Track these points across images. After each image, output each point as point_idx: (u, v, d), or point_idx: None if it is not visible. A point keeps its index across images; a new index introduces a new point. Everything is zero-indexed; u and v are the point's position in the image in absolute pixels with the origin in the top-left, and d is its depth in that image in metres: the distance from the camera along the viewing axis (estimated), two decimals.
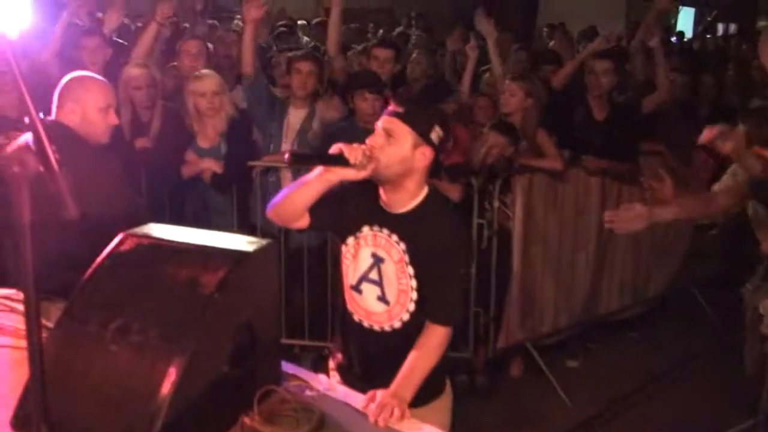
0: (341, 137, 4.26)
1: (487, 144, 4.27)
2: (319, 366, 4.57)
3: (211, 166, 4.19)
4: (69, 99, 2.91)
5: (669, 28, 15.58)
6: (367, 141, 2.25)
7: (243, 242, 2.00)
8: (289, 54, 4.84)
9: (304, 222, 2.38)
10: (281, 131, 4.39)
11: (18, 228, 1.19)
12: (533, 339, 4.74)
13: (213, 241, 1.99)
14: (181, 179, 4.25)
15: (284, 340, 4.00)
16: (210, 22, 10.44)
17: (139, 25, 7.93)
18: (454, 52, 6.30)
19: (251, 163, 4.34)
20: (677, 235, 5.33)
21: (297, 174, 4.36)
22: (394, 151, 2.23)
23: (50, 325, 1.94)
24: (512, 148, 4.34)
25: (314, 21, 10.00)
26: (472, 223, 4.28)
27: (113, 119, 2.97)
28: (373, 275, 2.38)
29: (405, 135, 2.23)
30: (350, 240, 2.41)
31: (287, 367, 2.24)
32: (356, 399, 2.16)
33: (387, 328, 2.39)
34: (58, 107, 2.94)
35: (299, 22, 10.31)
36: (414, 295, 2.33)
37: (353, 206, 2.38)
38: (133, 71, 4.20)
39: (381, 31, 10.10)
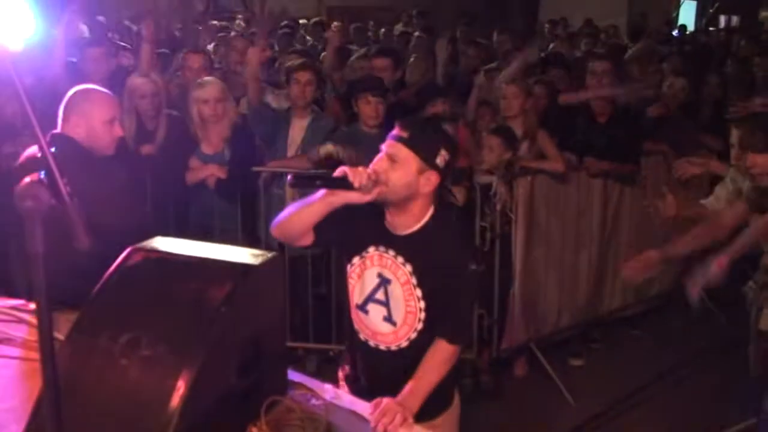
0: (345, 141, 4.33)
1: (488, 148, 4.30)
2: (324, 368, 4.64)
3: (215, 172, 4.22)
4: (74, 112, 2.95)
5: (671, 21, 15.55)
6: (372, 165, 2.23)
7: (248, 255, 2.02)
8: (287, 64, 4.88)
9: (308, 240, 2.37)
10: (285, 142, 4.43)
11: (32, 259, 1.23)
12: (537, 339, 4.77)
13: (219, 255, 2.02)
14: (186, 186, 4.29)
15: (289, 344, 4.04)
16: (212, 23, 10.47)
17: (141, 26, 8.00)
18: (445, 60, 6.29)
19: (256, 168, 4.38)
20: (680, 232, 5.35)
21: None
22: (399, 176, 2.20)
23: (60, 336, 1.98)
24: (511, 152, 4.36)
25: (313, 20, 10.02)
26: (475, 226, 4.31)
27: (118, 131, 3.01)
28: (380, 296, 2.37)
29: (409, 160, 2.21)
30: (356, 260, 2.41)
31: (293, 375, 2.26)
32: (362, 407, 2.18)
33: (394, 347, 2.40)
34: (64, 120, 2.97)
35: (301, 21, 10.34)
36: (422, 316, 2.33)
37: (359, 226, 2.37)
38: (137, 81, 4.27)
39: (382, 30, 10.12)
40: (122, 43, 5.92)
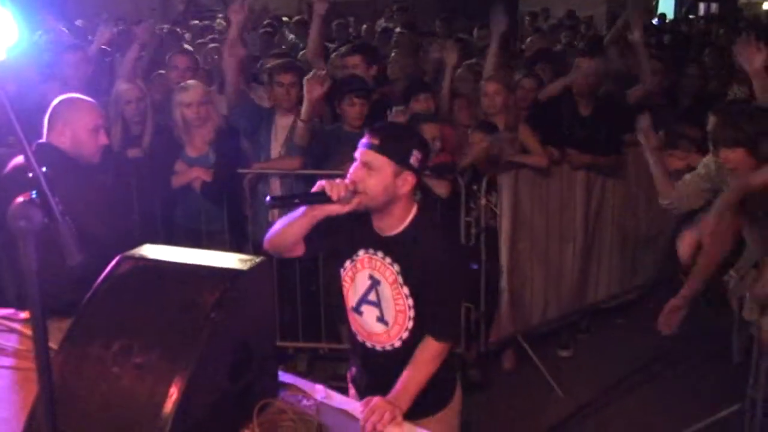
0: (329, 141, 4.34)
1: (473, 144, 4.33)
2: (314, 367, 4.67)
3: (201, 174, 4.23)
4: (59, 121, 2.96)
5: (650, 10, 15.60)
6: (349, 176, 2.28)
7: (236, 261, 2.06)
8: (268, 66, 4.87)
9: (299, 251, 2.44)
10: (270, 139, 4.43)
11: (26, 278, 1.25)
12: (524, 331, 4.82)
13: (208, 261, 2.05)
14: (172, 190, 4.30)
15: (279, 343, 4.07)
16: (193, 22, 10.43)
17: (121, 28, 7.97)
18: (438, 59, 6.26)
19: (241, 170, 4.39)
20: (662, 222, 5.42)
21: (285, 181, 4.42)
22: (376, 182, 2.26)
23: (53, 345, 2.00)
24: (496, 147, 4.40)
25: (295, 19, 9.99)
26: (460, 221, 4.35)
27: (103, 139, 3.03)
28: (372, 297, 2.43)
29: (384, 166, 2.26)
30: (347, 264, 2.47)
31: (284, 376, 2.31)
32: (353, 407, 2.23)
33: (388, 347, 2.45)
34: (49, 129, 2.99)
35: (284, 19, 10.31)
36: (411, 314, 2.39)
37: (347, 231, 2.43)
38: (122, 87, 4.27)
39: (364, 26, 10.11)
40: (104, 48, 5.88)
